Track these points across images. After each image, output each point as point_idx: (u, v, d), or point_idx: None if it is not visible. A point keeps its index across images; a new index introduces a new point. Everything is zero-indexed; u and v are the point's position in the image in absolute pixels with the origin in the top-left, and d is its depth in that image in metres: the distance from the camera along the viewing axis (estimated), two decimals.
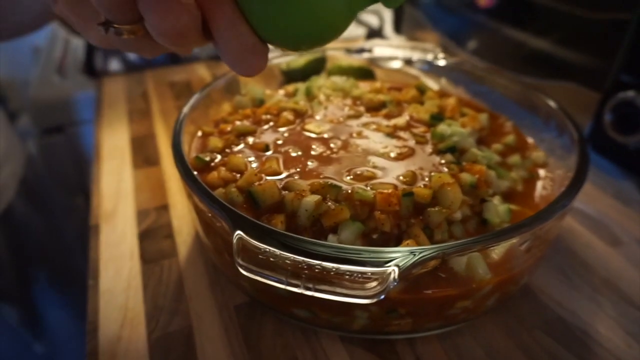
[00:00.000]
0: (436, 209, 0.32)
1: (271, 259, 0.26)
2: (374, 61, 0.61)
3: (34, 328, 0.69)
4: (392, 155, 0.39)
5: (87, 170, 0.96)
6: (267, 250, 0.26)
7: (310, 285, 0.24)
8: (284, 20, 0.22)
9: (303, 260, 0.25)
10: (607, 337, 0.34)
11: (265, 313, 0.36)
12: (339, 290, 0.24)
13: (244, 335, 0.34)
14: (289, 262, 0.26)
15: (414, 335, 0.33)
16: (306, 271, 0.25)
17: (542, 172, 0.41)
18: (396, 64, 0.61)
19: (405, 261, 0.25)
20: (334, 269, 0.25)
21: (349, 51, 0.57)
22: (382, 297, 0.24)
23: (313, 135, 0.41)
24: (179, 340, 0.34)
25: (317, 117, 0.45)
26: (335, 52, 0.61)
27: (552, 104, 0.42)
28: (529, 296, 0.37)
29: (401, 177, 0.36)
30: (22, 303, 0.68)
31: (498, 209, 0.34)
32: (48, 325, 0.71)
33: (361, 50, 0.56)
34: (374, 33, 0.96)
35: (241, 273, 0.33)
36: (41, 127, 0.84)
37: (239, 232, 0.27)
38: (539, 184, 0.39)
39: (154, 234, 0.44)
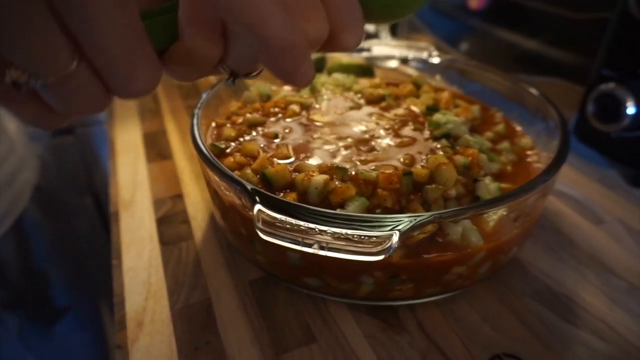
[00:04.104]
0: (433, 186, 0.35)
1: (287, 226, 0.29)
2: (371, 60, 0.65)
3: (36, 338, 0.69)
4: (393, 142, 0.42)
5: (96, 170, 1.00)
6: (284, 219, 0.29)
7: (324, 245, 0.27)
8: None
9: (316, 227, 0.29)
10: (590, 302, 0.38)
11: (278, 286, 0.39)
12: (348, 248, 0.27)
13: (259, 305, 0.37)
14: (303, 228, 0.29)
15: (414, 301, 0.36)
16: (319, 236, 0.28)
17: (530, 154, 0.45)
18: (393, 64, 0.64)
19: (405, 224, 0.28)
20: (343, 234, 0.28)
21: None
22: (387, 254, 0.27)
23: (318, 124, 0.45)
24: (200, 311, 0.37)
25: (322, 109, 0.48)
26: (334, 52, 0.65)
27: (534, 91, 0.46)
28: (519, 268, 0.40)
29: (401, 160, 0.39)
30: (28, 311, 0.67)
31: (489, 187, 0.38)
32: (54, 334, 0.71)
33: (360, 50, 0.59)
34: (371, 37, 1.00)
35: (256, 248, 0.36)
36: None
37: (258, 205, 0.30)
38: (528, 165, 0.43)
39: (170, 220, 0.47)
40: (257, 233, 0.30)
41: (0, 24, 0.16)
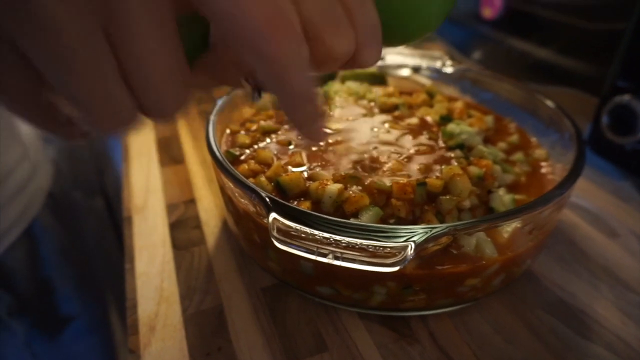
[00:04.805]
0: (447, 197, 0.35)
1: (302, 235, 0.29)
2: (383, 69, 0.65)
3: (43, 345, 0.67)
4: (407, 150, 0.42)
5: (107, 172, 1.00)
6: (299, 228, 0.29)
7: (339, 255, 0.28)
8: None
9: (331, 236, 0.29)
10: (604, 316, 0.37)
11: (290, 294, 0.39)
12: (363, 259, 0.27)
13: (271, 312, 0.38)
14: (318, 238, 0.29)
15: (426, 312, 0.36)
16: (334, 245, 0.29)
17: (544, 165, 0.44)
18: (405, 72, 0.64)
19: (420, 236, 0.28)
20: (358, 244, 0.28)
21: None
22: (402, 266, 0.27)
23: (331, 131, 0.45)
24: (212, 316, 0.37)
25: (335, 116, 0.48)
26: (352, 69, 0.65)
27: (550, 103, 0.46)
28: (532, 280, 0.40)
29: (416, 169, 0.39)
30: (35, 318, 0.66)
31: (503, 199, 0.38)
32: (61, 341, 0.69)
33: None
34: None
35: (270, 255, 0.37)
36: None
37: (273, 214, 0.30)
38: (542, 177, 0.43)
39: (183, 225, 0.47)
40: (270, 241, 0.30)
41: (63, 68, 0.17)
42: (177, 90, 0.20)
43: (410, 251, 0.28)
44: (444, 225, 0.29)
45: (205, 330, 0.36)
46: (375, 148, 0.43)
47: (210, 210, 0.49)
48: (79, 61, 0.17)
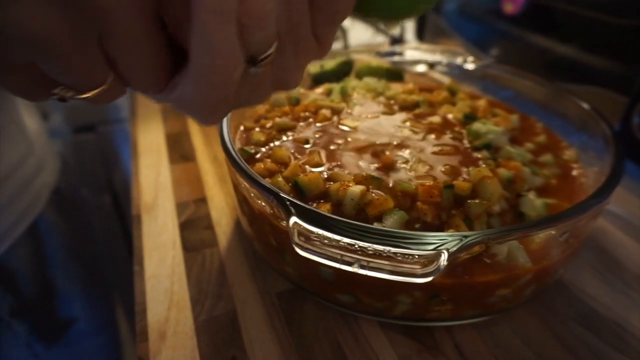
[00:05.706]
0: (477, 201, 0.33)
1: (325, 241, 0.27)
2: (398, 64, 0.63)
3: (46, 345, 0.65)
4: (430, 151, 0.40)
5: (115, 168, 0.99)
6: (322, 234, 0.27)
7: (365, 264, 0.26)
8: None
9: (356, 243, 0.27)
10: None
11: (306, 299, 0.37)
12: (391, 268, 0.25)
13: (287, 319, 0.36)
14: (342, 244, 0.27)
15: (452, 323, 0.34)
16: (359, 253, 0.27)
17: (575, 167, 0.42)
18: (421, 68, 0.62)
19: (454, 244, 0.26)
20: (386, 252, 0.26)
21: (379, 54, 0.58)
22: (434, 277, 0.25)
23: (349, 130, 0.43)
24: (225, 323, 0.36)
25: (353, 114, 0.46)
26: (362, 55, 0.63)
27: (585, 105, 0.43)
28: (563, 290, 0.38)
29: (442, 170, 0.37)
30: (38, 318, 0.64)
31: (534, 203, 0.35)
32: (65, 341, 0.67)
33: (392, 53, 0.57)
34: (396, 41, 0.98)
35: (286, 260, 0.35)
36: (73, 126, 0.87)
37: (294, 218, 0.28)
38: (573, 180, 0.40)
39: (194, 225, 0.46)
40: (287, 244, 0.28)
41: (57, 57, 0.18)
42: (158, 81, 0.21)
43: (443, 260, 0.26)
44: (479, 232, 0.27)
45: (218, 338, 0.34)
46: (397, 147, 0.40)
47: (221, 210, 0.48)
48: (81, 70, 0.19)
